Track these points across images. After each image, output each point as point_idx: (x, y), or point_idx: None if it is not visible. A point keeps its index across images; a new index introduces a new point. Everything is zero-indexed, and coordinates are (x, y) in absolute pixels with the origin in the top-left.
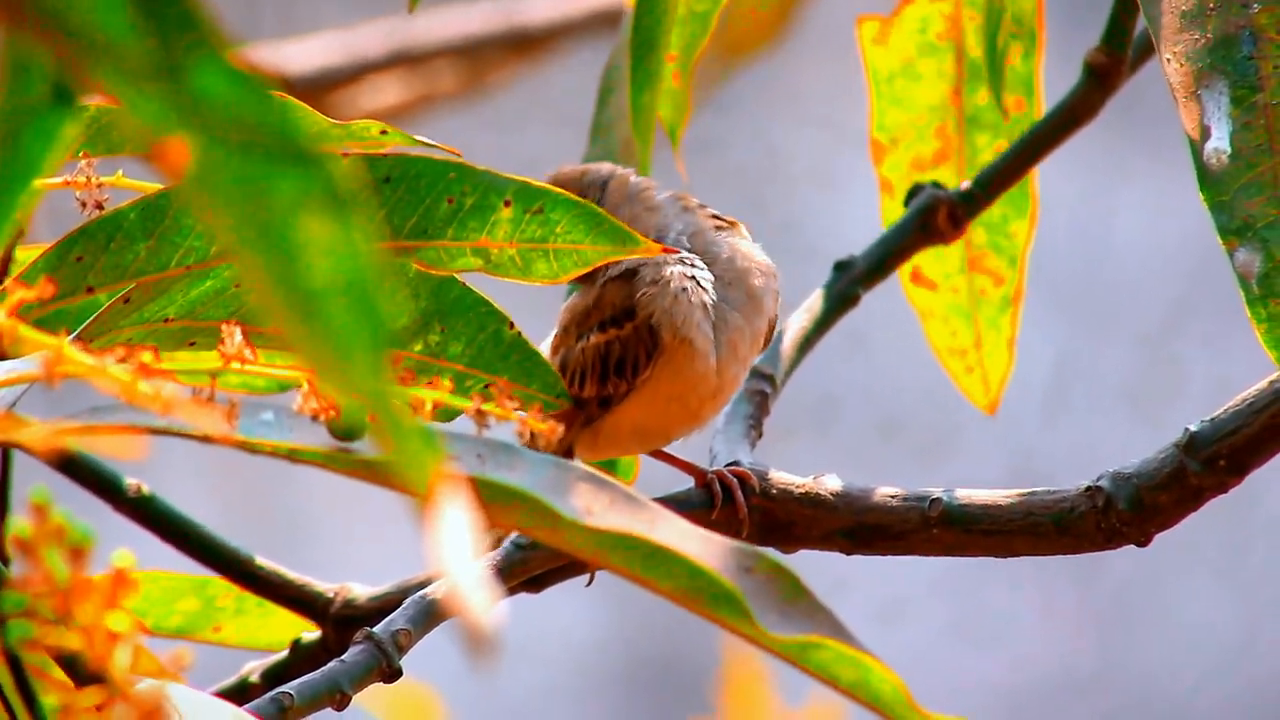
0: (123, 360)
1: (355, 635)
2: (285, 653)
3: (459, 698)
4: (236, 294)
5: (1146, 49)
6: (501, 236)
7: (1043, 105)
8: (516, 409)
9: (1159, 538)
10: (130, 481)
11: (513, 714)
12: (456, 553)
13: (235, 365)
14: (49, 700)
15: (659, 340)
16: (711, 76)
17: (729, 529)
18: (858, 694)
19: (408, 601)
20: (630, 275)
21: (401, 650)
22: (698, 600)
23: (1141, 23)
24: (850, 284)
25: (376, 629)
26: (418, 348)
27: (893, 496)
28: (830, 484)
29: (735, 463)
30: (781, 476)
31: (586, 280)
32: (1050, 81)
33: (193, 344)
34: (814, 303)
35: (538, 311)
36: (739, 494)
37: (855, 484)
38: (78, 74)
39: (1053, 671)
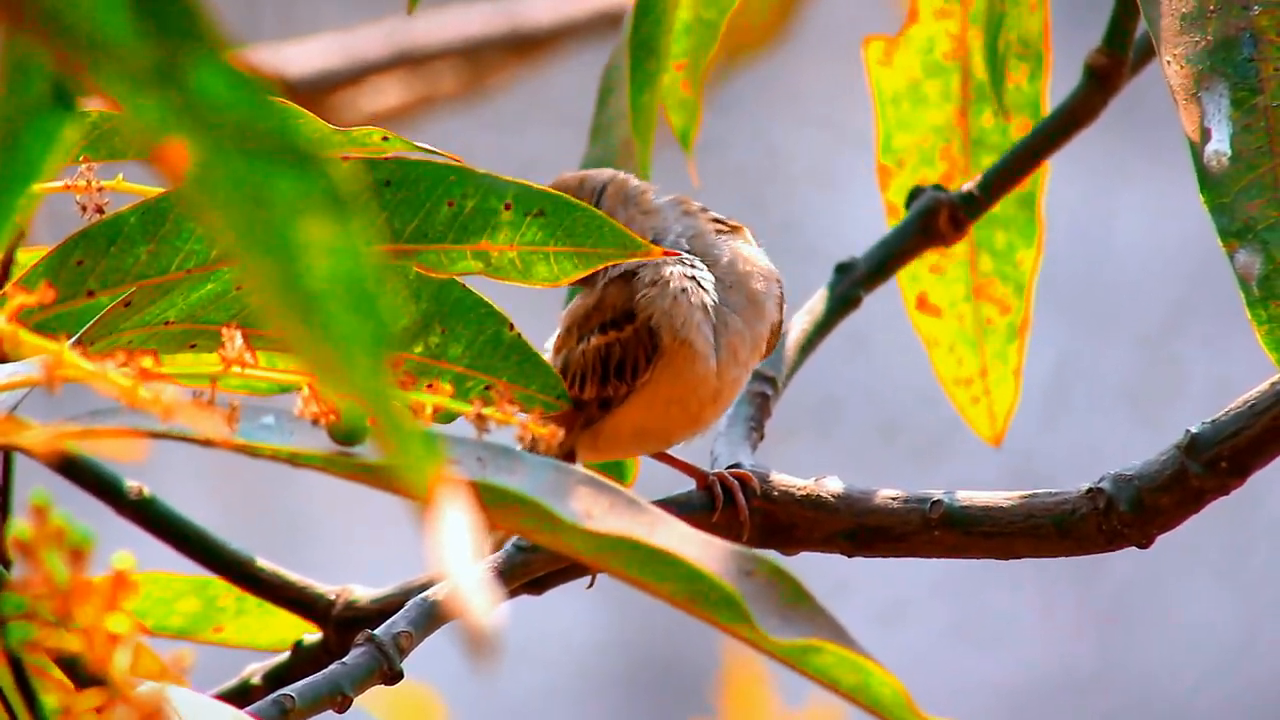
0: (123, 364)
1: (356, 637)
2: (287, 654)
3: (460, 699)
4: (237, 297)
5: (1147, 51)
6: (502, 240)
7: None
8: (517, 411)
9: (1160, 539)
10: (131, 484)
11: (513, 715)
12: (457, 555)
13: (236, 369)
14: (49, 701)
15: (659, 343)
16: (712, 76)
17: (730, 531)
18: (858, 698)
19: (409, 604)
20: (630, 276)
21: (403, 652)
22: (698, 604)
23: (1142, 25)
24: (852, 286)
25: (378, 631)
26: (418, 349)
27: (894, 498)
28: (831, 486)
29: (737, 465)
30: (783, 479)
31: (588, 282)
32: (1051, 83)
33: (193, 347)
34: (815, 304)
35: (538, 313)
36: (740, 496)
37: (856, 486)
38: (78, 76)
39: (1053, 672)
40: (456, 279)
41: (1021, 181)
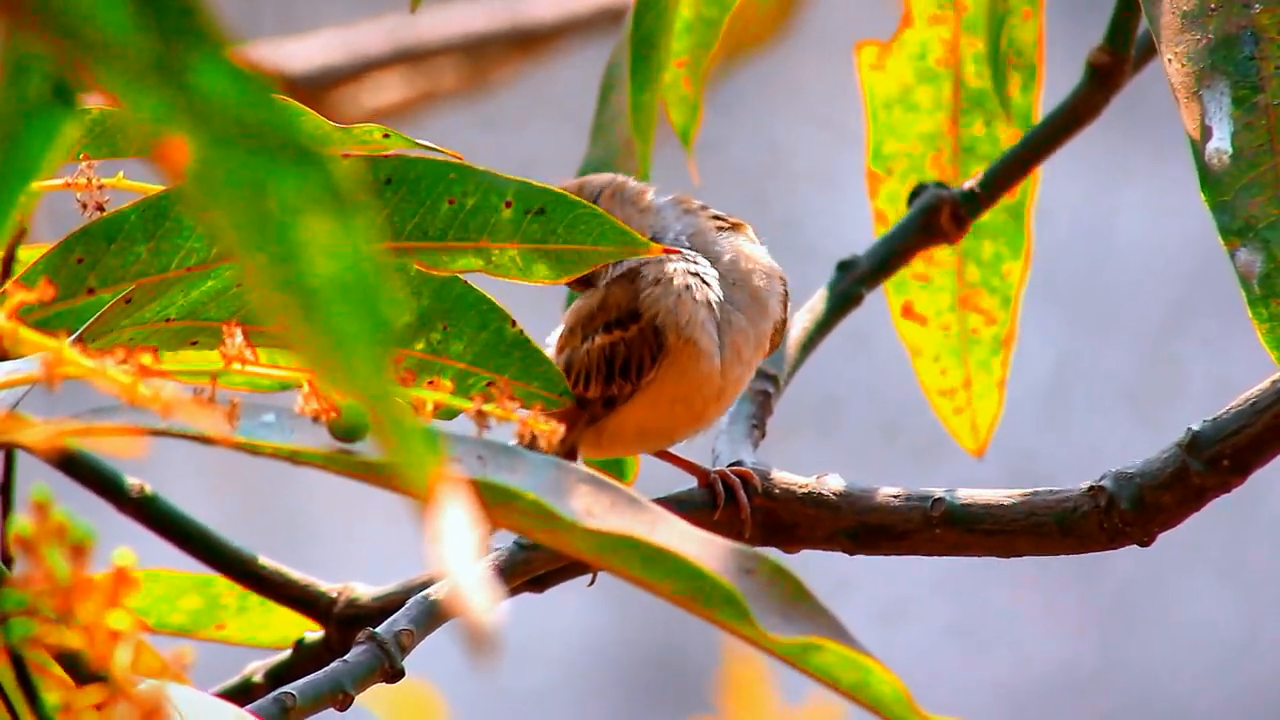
0: (123, 361)
1: (358, 635)
2: (288, 652)
3: (460, 697)
4: (238, 294)
5: (1149, 49)
6: (502, 237)
7: None
8: (518, 408)
9: (1160, 537)
10: (133, 481)
11: (514, 714)
12: (457, 553)
13: (236, 366)
14: (50, 698)
15: (664, 341)
16: (713, 75)
17: (731, 529)
18: (859, 696)
19: (410, 602)
20: (633, 276)
21: (404, 650)
22: (698, 602)
23: (1144, 23)
24: (853, 284)
25: (379, 629)
26: (420, 346)
27: (895, 496)
28: (833, 484)
29: (738, 463)
30: (784, 477)
31: (589, 282)
32: (1053, 81)
33: (194, 344)
34: (817, 303)
35: (540, 309)
36: (742, 494)
37: (858, 484)
38: (78, 72)
39: (1054, 671)
40: (458, 275)
41: (1024, 179)
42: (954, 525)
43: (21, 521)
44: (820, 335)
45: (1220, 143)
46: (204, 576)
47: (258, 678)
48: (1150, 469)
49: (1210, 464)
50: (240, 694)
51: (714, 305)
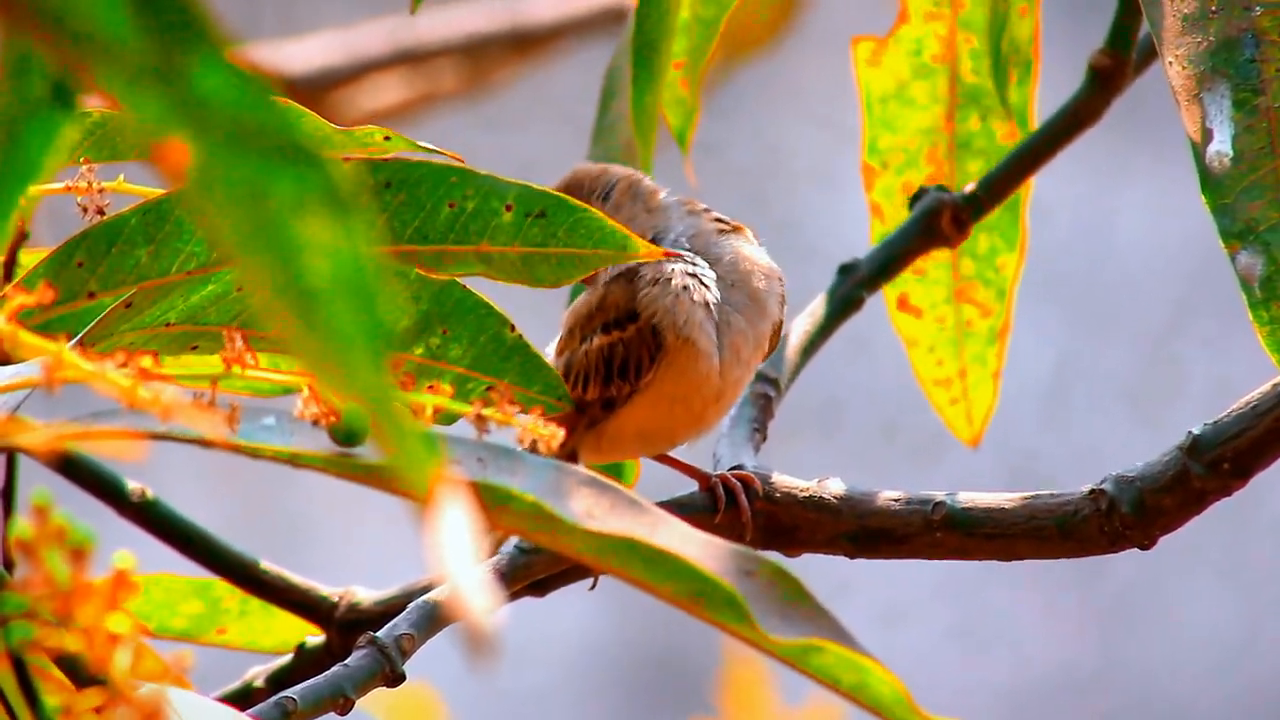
0: (123, 365)
1: (358, 639)
2: (290, 657)
3: (460, 699)
4: (238, 298)
5: (1151, 51)
6: (503, 241)
7: None
8: (518, 413)
9: (1161, 538)
10: (134, 485)
11: (514, 715)
12: (457, 556)
13: (236, 369)
14: (50, 701)
15: (662, 342)
16: (712, 76)
17: (732, 533)
18: (859, 697)
19: (411, 606)
20: (631, 276)
21: (405, 655)
22: (699, 604)
23: (1145, 26)
24: (854, 287)
25: (380, 633)
26: (419, 350)
27: (896, 500)
28: (834, 488)
29: (739, 466)
30: (785, 480)
31: (589, 281)
32: (1054, 84)
33: (194, 348)
34: (817, 306)
35: (539, 314)
36: (742, 498)
37: (858, 487)
38: (78, 74)
39: (1054, 672)
40: (457, 280)
41: (1024, 182)
42: (954, 529)
43: (21, 525)
44: (821, 339)
45: (1221, 145)
46: (205, 581)
47: (259, 682)
48: (1151, 472)
49: (1211, 467)
50: (241, 698)
51: (712, 306)
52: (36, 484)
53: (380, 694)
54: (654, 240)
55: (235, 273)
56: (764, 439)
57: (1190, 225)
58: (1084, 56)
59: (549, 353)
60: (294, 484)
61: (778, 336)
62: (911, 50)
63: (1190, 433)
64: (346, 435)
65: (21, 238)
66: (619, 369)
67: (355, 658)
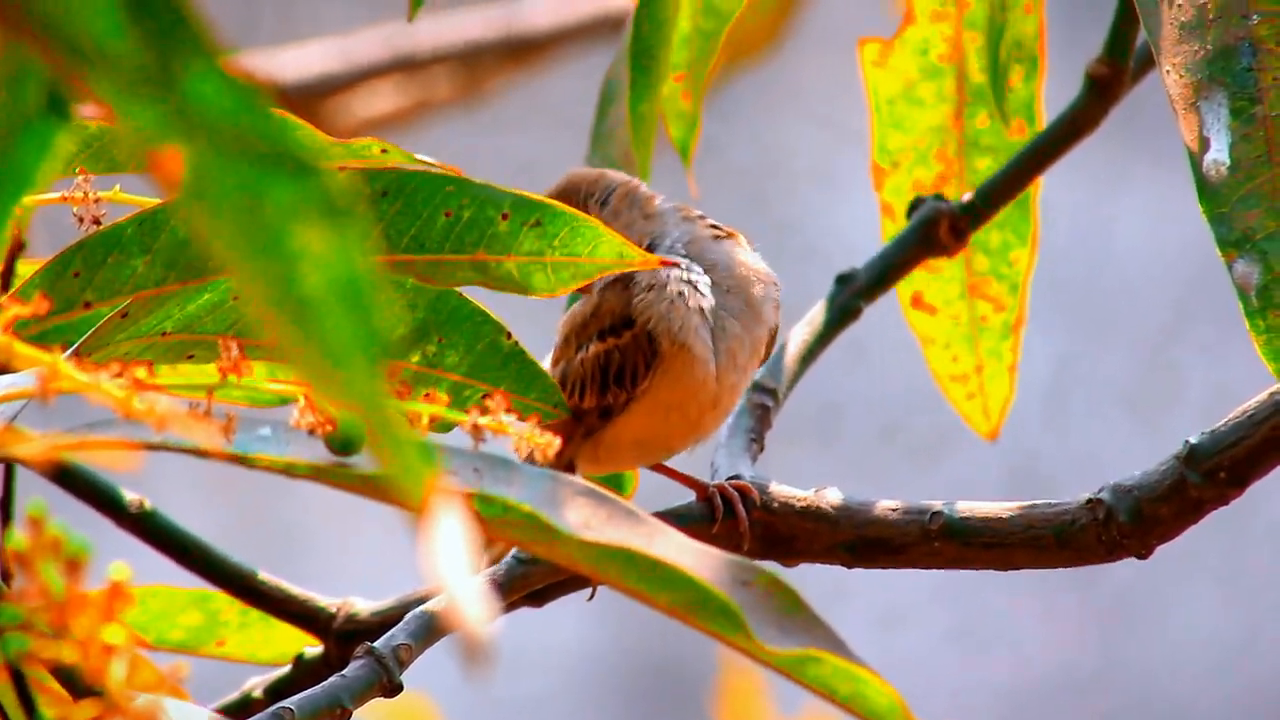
0: (117, 375)
1: (356, 650)
2: (288, 668)
3: (456, 707)
4: (234, 307)
5: (1148, 60)
6: (499, 250)
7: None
8: (514, 422)
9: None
10: (132, 497)
11: None
12: (452, 566)
13: (232, 379)
14: (47, 713)
15: (658, 348)
16: (712, 78)
17: (730, 543)
18: (854, 707)
19: (409, 616)
20: (627, 282)
21: (402, 665)
22: (695, 614)
23: (1143, 34)
24: (852, 297)
25: (377, 644)
26: (415, 358)
27: (893, 510)
28: (831, 497)
29: (737, 476)
30: (783, 490)
31: (585, 290)
32: (1052, 92)
33: (191, 357)
34: (815, 316)
35: (535, 321)
36: (740, 508)
37: (856, 497)
38: (72, 83)
39: (1053, 675)
40: (453, 288)
41: (1022, 190)
42: (952, 539)
43: (17, 536)
44: (819, 348)
45: (1218, 154)
46: (204, 592)
47: (257, 693)
48: (1148, 481)
49: (1208, 476)
50: (240, 709)
51: (707, 312)
52: (36, 495)
53: (377, 703)
54: (650, 246)
55: (231, 282)
56: (761, 449)
57: (1188, 232)
58: (1082, 62)
59: (546, 362)
60: (290, 494)
61: (773, 342)
62: (919, 50)
63: (1187, 442)
64: (343, 445)
65: (19, 248)
66: (615, 376)
67: (353, 668)
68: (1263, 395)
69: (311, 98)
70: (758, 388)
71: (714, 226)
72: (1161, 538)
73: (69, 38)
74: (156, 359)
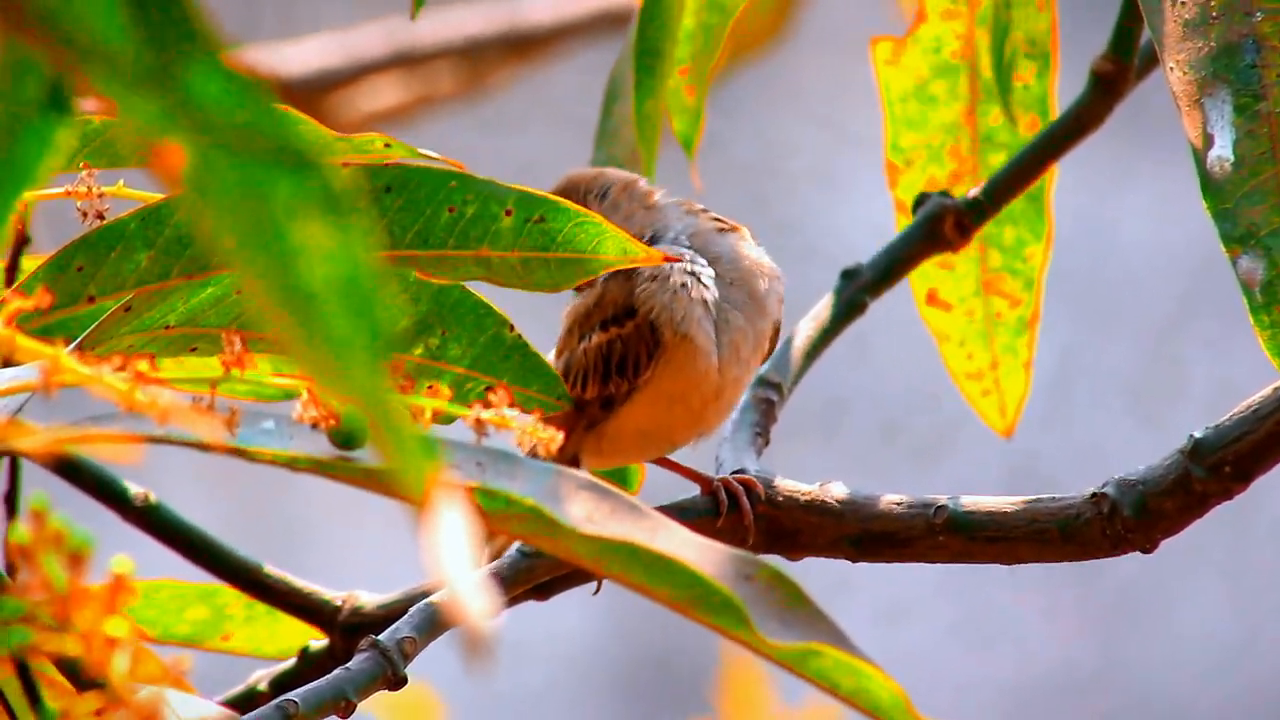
0: (120, 368)
1: (360, 643)
2: (293, 661)
3: (459, 699)
4: (237, 300)
5: (1153, 56)
6: (502, 245)
7: None
8: (517, 415)
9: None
10: (137, 490)
11: (513, 715)
12: (454, 560)
13: (235, 372)
14: (51, 705)
15: (660, 338)
16: (713, 76)
17: (735, 537)
18: (857, 701)
19: (413, 609)
20: (630, 272)
21: (407, 658)
22: (698, 608)
23: (1147, 31)
24: (857, 292)
25: (382, 637)
26: (418, 351)
27: (898, 504)
28: (836, 491)
29: (741, 470)
30: (787, 484)
31: (587, 284)
32: (1059, 83)
33: (194, 350)
34: (821, 311)
35: (538, 314)
36: (744, 502)
37: (861, 491)
38: (74, 79)
39: (1055, 671)
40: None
41: (1026, 187)
42: (957, 533)
43: (20, 529)
44: (825, 343)
45: (1222, 151)
46: (209, 586)
47: (262, 686)
48: (1152, 476)
49: (1212, 471)
50: (245, 703)
51: (710, 304)
52: (41, 488)
53: (380, 695)
54: (653, 238)
55: (234, 276)
56: (766, 443)
57: (1192, 227)
58: (1087, 60)
59: (549, 353)
60: (293, 487)
61: (777, 336)
62: (931, 48)
63: (1192, 436)
64: (345, 439)
65: (23, 242)
66: (617, 366)
67: (357, 661)
68: (1267, 390)
69: (313, 93)
70: (762, 382)
71: (717, 220)
72: (1166, 532)
73: (71, 33)
74: (159, 353)
